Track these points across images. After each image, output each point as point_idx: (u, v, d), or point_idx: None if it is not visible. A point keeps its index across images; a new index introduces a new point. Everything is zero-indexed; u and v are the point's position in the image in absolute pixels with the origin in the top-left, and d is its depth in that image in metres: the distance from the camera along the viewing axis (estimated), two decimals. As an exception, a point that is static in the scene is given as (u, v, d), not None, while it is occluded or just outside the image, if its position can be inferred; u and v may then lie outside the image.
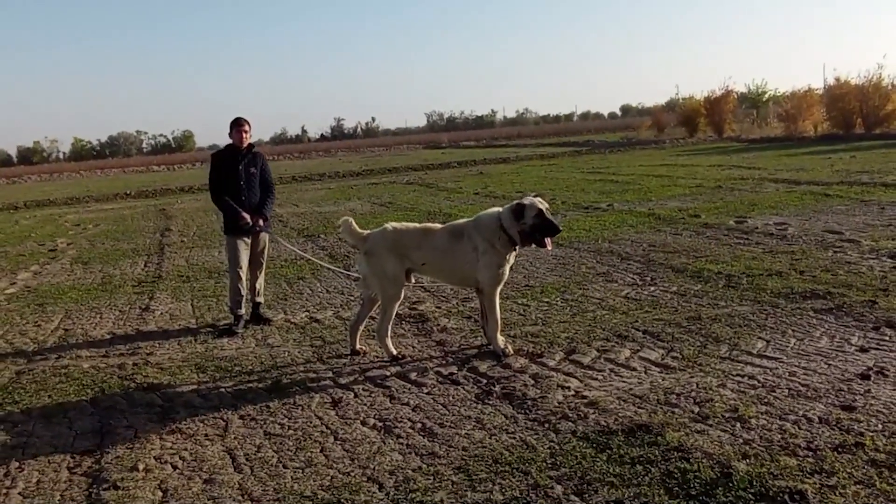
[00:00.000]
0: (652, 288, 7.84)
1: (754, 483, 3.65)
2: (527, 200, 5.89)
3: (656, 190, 16.89)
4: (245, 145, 7.77)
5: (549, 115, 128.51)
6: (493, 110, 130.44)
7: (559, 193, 17.77)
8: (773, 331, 6.09)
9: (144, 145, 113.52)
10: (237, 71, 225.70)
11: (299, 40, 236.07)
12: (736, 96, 43.23)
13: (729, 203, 13.74)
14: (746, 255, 9.04)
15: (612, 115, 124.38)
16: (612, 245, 10.41)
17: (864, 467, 3.75)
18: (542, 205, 5.88)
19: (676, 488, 3.69)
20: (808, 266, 8.16)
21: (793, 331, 6.06)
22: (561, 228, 6.02)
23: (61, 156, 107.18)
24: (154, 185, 35.51)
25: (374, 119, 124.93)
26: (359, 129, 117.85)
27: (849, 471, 3.72)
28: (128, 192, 30.94)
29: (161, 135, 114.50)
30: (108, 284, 10.62)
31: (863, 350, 5.50)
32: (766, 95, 45.95)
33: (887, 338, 5.72)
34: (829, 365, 5.25)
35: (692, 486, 3.69)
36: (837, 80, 33.16)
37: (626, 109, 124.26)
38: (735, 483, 3.66)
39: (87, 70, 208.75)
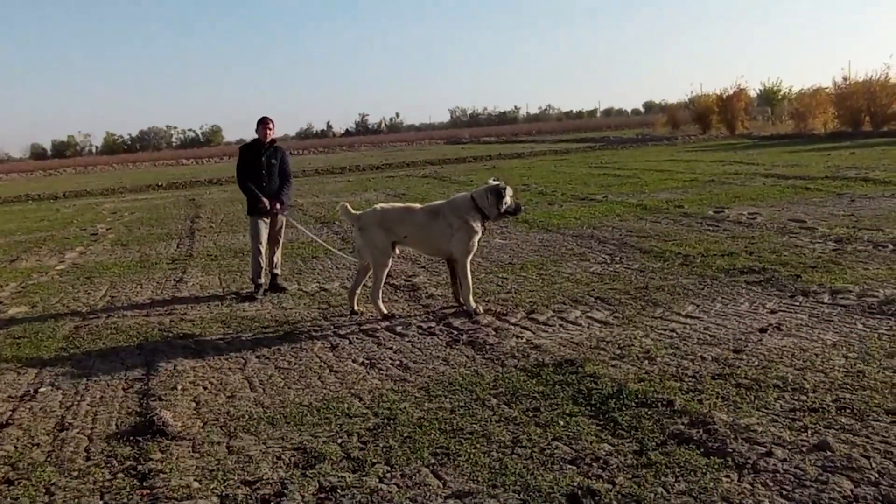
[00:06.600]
0: (617, 265, 8.97)
1: (639, 396, 4.82)
2: (501, 184, 7.13)
3: (652, 183, 17.95)
4: (268, 140, 9.02)
5: (571, 111, 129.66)
6: (516, 107, 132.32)
7: (562, 186, 18.92)
8: (705, 298, 7.23)
9: (174, 139, 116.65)
10: (265, 67, 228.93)
11: (326, 37, 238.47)
12: (753, 94, 44.03)
13: (715, 195, 14.77)
14: (710, 239, 10.13)
15: (636, 112, 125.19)
16: (594, 231, 11.54)
17: (728, 388, 4.90)
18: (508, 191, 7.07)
19: (581, 400, 4.87)
20: (758, 248, 9.25)
21: (721, 297, 7.19)
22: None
23: (93, 149, 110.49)
24: (184, 177, 37.22)
25: (397, 115, 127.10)
26: (383, 125, 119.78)
27: (715, 390, 4.88)
28: (159, 184, 32.59)
29: (190, 129, 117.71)
30: (145, 262, 11.98)
31: (773, 312, 6.62)
32: (781, 93, 46.63)
33: (797, 304, 6.82)
34: (740, 322, 6.38)
35: (592, 398, 4.87)
36: (845, 78, 33.96)
37: (648, 106, 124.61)
38: (624, 396, 4.84)
39: (118, 65, 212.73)
